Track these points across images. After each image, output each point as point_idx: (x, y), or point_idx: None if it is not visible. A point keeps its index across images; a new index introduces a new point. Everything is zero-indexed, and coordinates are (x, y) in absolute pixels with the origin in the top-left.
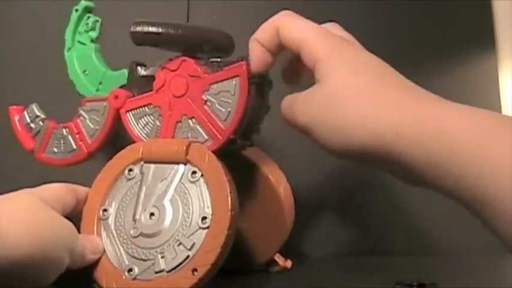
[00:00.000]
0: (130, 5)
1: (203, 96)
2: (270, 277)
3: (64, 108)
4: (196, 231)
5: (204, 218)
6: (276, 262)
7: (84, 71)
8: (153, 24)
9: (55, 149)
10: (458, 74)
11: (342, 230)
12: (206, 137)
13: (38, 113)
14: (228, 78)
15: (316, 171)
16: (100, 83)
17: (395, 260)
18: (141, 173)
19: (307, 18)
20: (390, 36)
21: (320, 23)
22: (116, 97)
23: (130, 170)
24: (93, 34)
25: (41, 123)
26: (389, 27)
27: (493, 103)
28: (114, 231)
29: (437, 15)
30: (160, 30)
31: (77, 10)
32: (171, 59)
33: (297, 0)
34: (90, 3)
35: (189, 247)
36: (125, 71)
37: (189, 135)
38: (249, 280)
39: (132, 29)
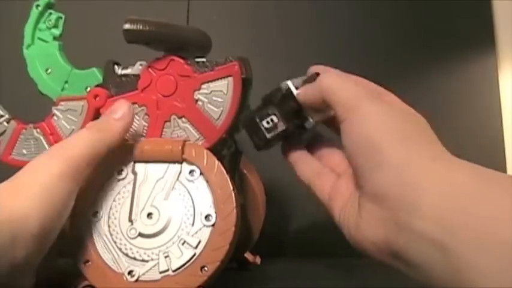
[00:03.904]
0: (130, 5)
1: (194, 96)
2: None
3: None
4: (201, 229)
5: (207, 216)
6: (246, 259)
7: (47, 70)
8: (145, 22)
9: (24, 151)
10: (458, 74)
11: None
12: (197, 136)
13: (1, 113)
14: (221, 78)
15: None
16: (66, 82)
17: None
18: (134, 173)
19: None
20: (390, 37)
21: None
22: (96, 96)
23: (120, 170)
24: (56, 31)
25: (5, 123)
26: (390, 27)
27: (493, 103)
28: (108, 234)
29: (437, 15)
30: (153, 28)
31: (37, 6)
32: (157, 58)
33: (298, 0)
34: None
35: (194, 245)
36: (95, 70)
37: (178, 134)
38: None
39: (124, 27)
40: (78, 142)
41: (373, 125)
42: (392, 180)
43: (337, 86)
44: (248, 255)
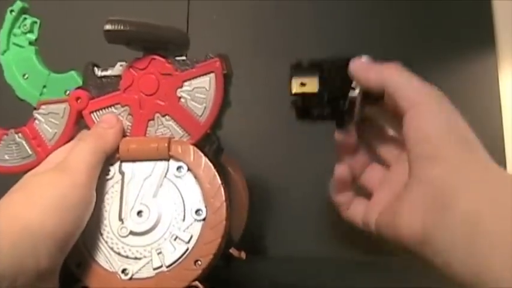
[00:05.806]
0: (130, 4)
1: (177, 93)
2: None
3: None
4: (192, 224)
5: (198, 211)
6: (231, 255)
7: (24, 75)
8: (126, 23)
9: (6, 156)
10: (458, 74)
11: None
12: (182, 133)
13: None
14: (203, 75)
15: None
16: (44, 86)
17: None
18: (121, 172)
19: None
20: (390, 37)
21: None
22: (78, 98)
23: (107, 170)
24: (32, 36)
25: None
26: (390, 27)
27: (493, 103)
28: (99, 233)
29: (437, 15)
30: (134, 28)
31: (12, 11)
32: (138, 58)
33: (298, 0)
34: (26, 4)
35: (187, 240)
36: (73, 73)
37: (162, 132)
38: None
39: (105, 28)
40: (80, 153)
41: (435, 122)
42: (443, 174)
43: (404, 79)
44: (233, 251)
